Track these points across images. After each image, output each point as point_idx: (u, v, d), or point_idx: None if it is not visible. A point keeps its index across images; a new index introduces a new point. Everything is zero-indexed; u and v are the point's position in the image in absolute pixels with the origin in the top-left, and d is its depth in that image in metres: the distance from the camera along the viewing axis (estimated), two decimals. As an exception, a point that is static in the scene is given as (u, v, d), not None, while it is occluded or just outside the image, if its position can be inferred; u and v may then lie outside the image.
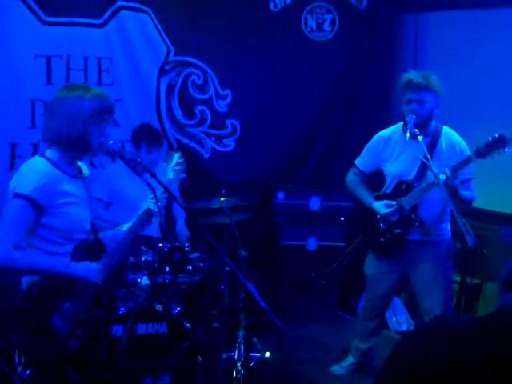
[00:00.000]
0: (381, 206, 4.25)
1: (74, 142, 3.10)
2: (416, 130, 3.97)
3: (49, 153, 3.18)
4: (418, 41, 6.16)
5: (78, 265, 3.13)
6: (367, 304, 4.63)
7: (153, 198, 3.42)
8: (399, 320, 5.51)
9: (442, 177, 3.84)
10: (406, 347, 2.00)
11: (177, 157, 3.78)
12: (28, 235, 3.09)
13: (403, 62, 6.13)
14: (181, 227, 5.15)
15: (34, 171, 3.08)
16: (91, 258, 3.21)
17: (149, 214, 3.44)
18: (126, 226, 3.50)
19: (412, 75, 4.09)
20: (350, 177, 4.54)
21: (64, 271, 3.08)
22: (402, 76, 4.16)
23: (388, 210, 4.21)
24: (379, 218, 4.29)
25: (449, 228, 4.31)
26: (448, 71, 4.96)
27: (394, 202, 4.19)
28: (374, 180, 4.50)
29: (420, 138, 3.95)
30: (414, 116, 4.01)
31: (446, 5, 5.91)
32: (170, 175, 3.68)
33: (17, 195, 3.03)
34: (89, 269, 3.12)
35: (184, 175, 3.71)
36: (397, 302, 5.55)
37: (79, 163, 3.34)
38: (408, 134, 3.98)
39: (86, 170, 3.42)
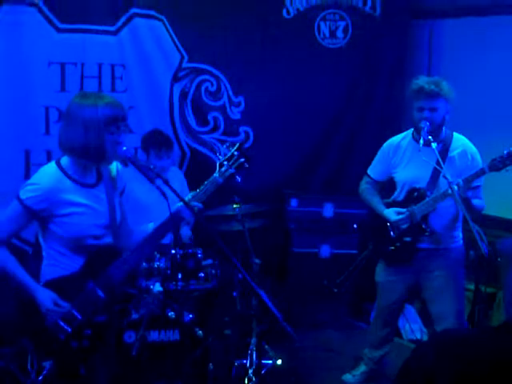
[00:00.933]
0: (391, 213, 4.23)
1: (88, 150, 3.10)
2: (430, 137, 3.94)
3: (64, 160, 3.20)
4: (432, 48, 6.13)
5: (37, 287, 3.13)
6: (378, 312, 4.60)
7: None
8: (413, 328, 5.47)
9: (455, 187, 3.81)
10: (421, 356, 2.00)
11: None
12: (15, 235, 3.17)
13: (417, 69, 6.09)
14: (185, 229, 5.13)
15: (39, 179, 3.11)
16: (103, 264, 3.20)
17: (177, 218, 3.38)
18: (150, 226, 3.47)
19: (423, 82, 4.06)
20: (363, 186, 4.52)
21: (25, 284, 3.10)
22: (413, 83, 4.13)
23: (398, 217, 4.19)
24: (389, 226, 4.27)
25: (460, 235, 4.27)
26: (462, 78, 4.95)
27: (405, 210, 4.17)
28: (387, 188, 4.48)
29: (434, 145, 3.92)
30: (427, 123, 3.98)
31: (460, 12, 5.88)
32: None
33: (17, 197, 3.08)
34: (45, 296, 3.10)
35: None
36: (410, 310, 5.52)
37: (101, 168, 3.32)
38: (422, 141, 3.96)
39: (113, 170, 3.39)
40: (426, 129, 3.98)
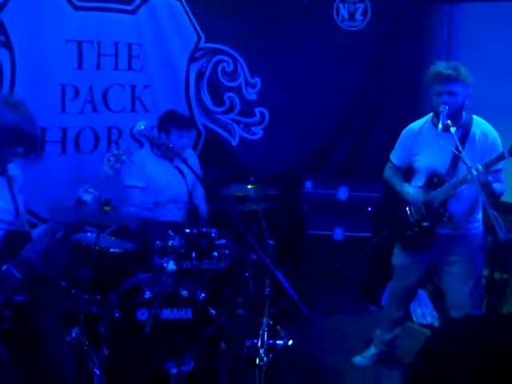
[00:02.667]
0: (411, 189, 4.24)
1: None
2: (449, 122, 3.91)
3: None
4: (451, 31, 6.08)
5: None
6: (393, 294, 4.60)
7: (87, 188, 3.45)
8: (424, 312, 5.47)
9: (474, 172, 3.78)
10: (436, 342, 2.00)
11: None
12: None
13: (436, 53, 6.05)
14: (202, 210, 5.14)
15: None
16: (15, 247, 3.29)
17: (81, 204, 3.44)
18: None
19: (441, 67, 4.02)
20: (386, 171, 4.51)
21: None
22: (430, 68, 4.10)
23: (415, 190, 4.19)
24: (408, 210, 4.26)
25: (480, 221, 4.24)
26: (481, 63, 4.90)
27: (422, 196, 4.16)
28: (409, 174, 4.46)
29: (453, 129, 3.88)
30: (446, 107, 3.95)
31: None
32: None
33: None
34: None
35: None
36: (422, 294, 5.51)
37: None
38: (440, 126, 3.92)
39: (12, 169, 3.47)
40: (444, 113, 3.94)
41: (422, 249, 4.26)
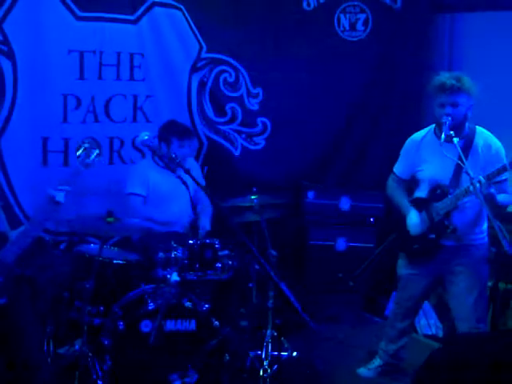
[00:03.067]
0: (414, 216, 4.22)
1: None
2: (451, 133, 3.89)
3: None
4: (452, 42, 6.08)
5: None
6: (398, 305, 4.56)
7: (60, 188, 3.41)
8: (428, 323, 5.45)
9: (477, 184, 3.76)
10: (440, 357, 1.99)
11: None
12: None
13: (437, 63, 6.06)
14: (205, 222, 5.12)
15: None
16: None
17: (54, 203, 3.40)
18: None
19: (444, 77, 4.00)
20: (389, 183, 4.48)
21: None
22: (434, 78, 4.07)
23: (417, 221, 4.17)
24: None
25: (485, 232, 4.21)
26: (484, 73, 4.89)
27: (425, 212, 4.15)
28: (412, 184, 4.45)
29: (455, 140, 3.87)
30: (449, 118, 3.94)
31: (481, 5, 5.83)
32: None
33: None
34: None
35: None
36: (426, 305, 5.47)
37: None
38: (443, 137, 3.91)
39: None
40: (447, 124, 3.93)
41: (427, 260, 4.24)
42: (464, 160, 3.85)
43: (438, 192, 4.13)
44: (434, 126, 4.22)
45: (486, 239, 4.23)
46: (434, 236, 4.15)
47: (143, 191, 4.87)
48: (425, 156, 4.21)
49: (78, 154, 3.58)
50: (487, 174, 3.80)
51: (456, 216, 4.08)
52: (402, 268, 4.45)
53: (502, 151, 4.07)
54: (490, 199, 3.82)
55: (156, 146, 3.31)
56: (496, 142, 4.11)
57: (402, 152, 4.40)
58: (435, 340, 5.20)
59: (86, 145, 3.59)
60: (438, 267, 4.24)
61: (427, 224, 4.16)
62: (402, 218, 4.31)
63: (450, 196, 4.04)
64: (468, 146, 4.05)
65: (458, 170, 4.03)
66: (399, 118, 6.07)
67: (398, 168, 4.43)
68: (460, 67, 5.77)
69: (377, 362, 4.69)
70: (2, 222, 3.52)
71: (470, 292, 4.15)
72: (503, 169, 3.80)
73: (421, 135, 4.30)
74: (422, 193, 4.26)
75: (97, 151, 3.58)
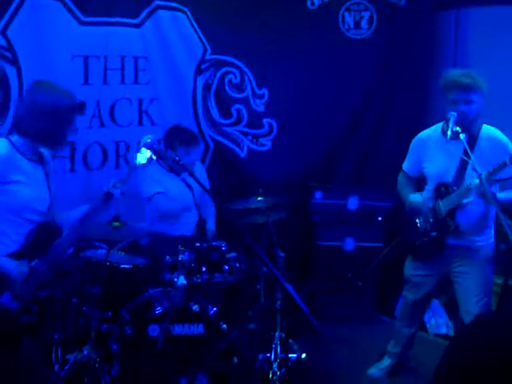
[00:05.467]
0: (416, 196, 4.20)
1: (42, 135, 3.23)
2: (458, 128, 3.85)
3: (14, 138, 3.28)
4: (457, 38, 6.04)
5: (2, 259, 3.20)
6: (405, 308, 4.54)
7: (115, 183, 3.40)
8: (438, 322, 5.41)
9: (476, 181, 3.73)
10: (460, 348, 1.94)
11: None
12: None
13: (443, 60, 6.01)
14: (210, 224, 5.11)
15: None
16: (45, 241, 3.29)
17: (109, 198, 3.40)
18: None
19: (457, 74, 3.95)
20: (399, 180, 4.47)
21: None
22: (445, 75, 4.02)
23: (420, 199, 4.15)
24: (417, 220, 4.21)
25: (492, 233, 4.17)
26: (489, 69, 4.84)
27: (430, 207, 4.12)
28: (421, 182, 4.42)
29: (462, 136, 3.82)
30: (455, 113, 3.90)
31: (486, 1, 5.79)
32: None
33: None
34: (12, 266, 3.18)
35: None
36: (436, 304, 5.45)
37: (41, 150, 3.42)
38: (449, 133, 3.87)
39: (47, 156, 3.48)
40: (453, 119, 3.89)
41: (431, 258, 4.20)
42: (471, 155, 3.79)
43: (442, 190, 4.10)
44: (442, 123, 4.18)
45: (492, 240, 4.18)
46: (436, 234, 4.12)
47: (161, 188, 4.85)
48: (430, 153, 4.19)
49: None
50: (488, 170, 3.74)
51: (460, 215, 4.05)
52: (408, 269, 4.43)
53: (510, 146, 4.00)
54: (491, 197, 3.76)
55: (160, 148, 3.29)
56: (503, 138, 4.06)
57: (410, 149, 4.38)
58: (446, 339, 5.17)
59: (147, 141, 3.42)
60: (443, 267, 4.21)
61: (431, 219, 4.13)
62: (407, 217, 4.28)
63: (453, 194, 4.01)
64: (473, 142, 4.00)
65: (462, 168, 4.00)
66: (406, 115, 6.03)
67: (406, 165, 4.42)
68: (465, 64, 5.73)
69: (387, 361, 4.67)
70: (56, 214, 3.52)
71: (475, 292, 4.12)
72: (503, 164, 3.70)
73: (428, 132, 4.28)
74: (426, 190, 4.25)
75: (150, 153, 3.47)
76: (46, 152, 3.43)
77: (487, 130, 4.08)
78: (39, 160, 3.38)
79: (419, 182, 4.39)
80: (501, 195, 3.91)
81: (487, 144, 4.02)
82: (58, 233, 3.37)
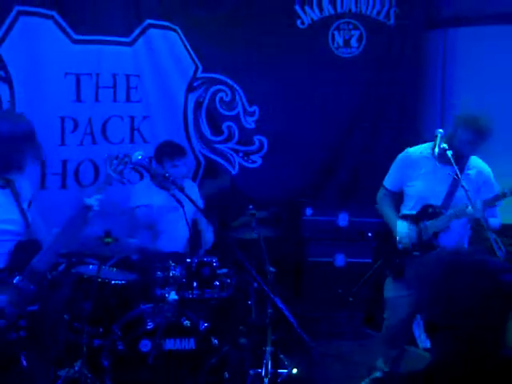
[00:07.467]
0: (402, 226, 4.20)
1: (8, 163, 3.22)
2: (445, 145, 3.91)
3: None
4: (446, 57, 6.12)
5: None
6: (386, 332, 4.47)
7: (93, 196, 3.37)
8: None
9: (471, 210, 3.82)
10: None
11: None
12: None
13: (431, 78, 6.09)
14: (209, 236, 5.11)
15: None
16: (25, 258, 3.27)
17: (86, 209, 3.37)
18: None
19: (480, 118, 3.95)
20: (379, 197, 4.46)
21: None
22: (466, 111, 4.05)
23: (406, 231, 4.16)
24: (398, 239, 4.21)
25: None
26: (477, 88, 4.92)
27: (415, 227, 4.15)
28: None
29: (449, 152, 3.88)
30: (442, 130, 3.97)
31: (474, 20, 5.88)
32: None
33: None
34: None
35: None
36: (425, 319, 5.46)
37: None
38: (437, 150, 3.93)
39: (18, 182, 3.44)
40: (440, 136, 3.96)
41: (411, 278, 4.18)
42: (459, 175, 3.86)
43: (429, 211, 4.13)
44: (431, 143, 4.15)
45: None
46: (418, 254, 4.14)
47: (148, 201, 4.84)
48: (418, 173, 4.20)
49: (113, 162, 3.49)
50: (485, 199, 3.88)
51: (443, 236, 4.10)
52: (389, 290, 4.37)
53: (492, 177, 4.15)
54: (483, 222, 3.84)
55: (149, 165, 3.32)
56: (487, 168, 4.18)
57: (395, 165, 4.35)
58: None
59: (122, 155, 3.53)
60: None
61: (414, 240, 4.16)
62: (389, 235, 4.28)
63: (442, 216, 4.05)
64: (461, 171, 4.02)
65: (451, 192, 4.06)
66: (396, 133, 6.10)
67: (388, 181, 4.40)
68: (453, 82, 5.81)
69: (377, 375, 4.66)
70: (38, 230, 3.52)
71: None
72: (502, 196, 3.88)
73: (415, 151, 4.27)
74: (407, 208, 4.26)
75: (127, 159, 3.51)
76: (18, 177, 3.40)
77: (474, 159, 4.16)
78: (5, 184, 3.33)
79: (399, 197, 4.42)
80: (491, 221, 3.98)
81: (474, 172, 4.12)
82: (37, 248, 3.35)
